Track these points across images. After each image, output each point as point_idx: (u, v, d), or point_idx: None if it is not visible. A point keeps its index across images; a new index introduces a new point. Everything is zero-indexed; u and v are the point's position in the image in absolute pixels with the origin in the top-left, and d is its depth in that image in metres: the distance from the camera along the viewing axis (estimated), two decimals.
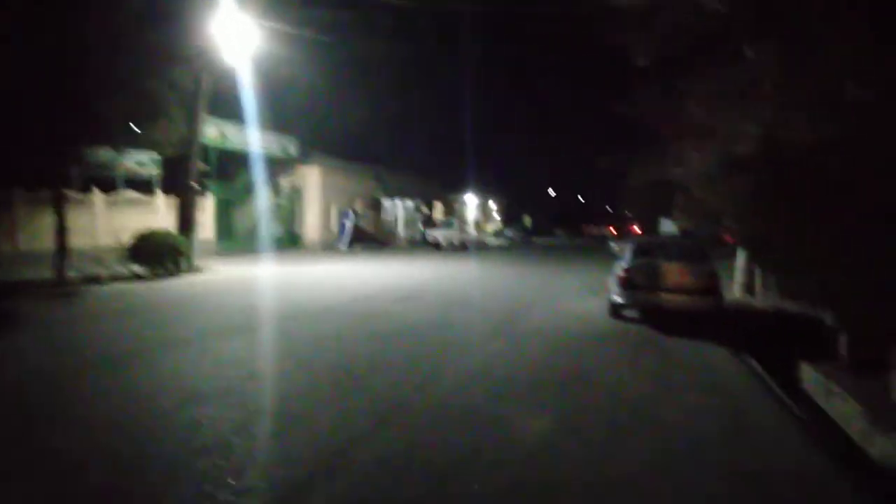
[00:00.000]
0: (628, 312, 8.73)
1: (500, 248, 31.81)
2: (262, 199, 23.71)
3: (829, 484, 3.46)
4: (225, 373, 5.03)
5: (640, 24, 8.63)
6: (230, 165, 21.37)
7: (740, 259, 12.07)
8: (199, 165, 14.72)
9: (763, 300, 10.44)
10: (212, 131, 19.27)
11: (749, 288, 11.54)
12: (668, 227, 27.69)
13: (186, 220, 14.11)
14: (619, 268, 8.51)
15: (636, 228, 46.80)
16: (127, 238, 12.46)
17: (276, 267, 15.93)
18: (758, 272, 10.73)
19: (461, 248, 28.12)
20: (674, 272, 7.92)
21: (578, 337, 7.29)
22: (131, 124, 12.49)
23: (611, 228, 46.51)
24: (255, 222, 22.97)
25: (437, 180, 41.33)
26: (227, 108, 18.26)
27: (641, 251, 8.94)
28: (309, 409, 4.18)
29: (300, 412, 4.13)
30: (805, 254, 6.12)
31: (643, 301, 8.03)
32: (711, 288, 7.68)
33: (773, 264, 6.83)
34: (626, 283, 8.16)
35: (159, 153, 16.60)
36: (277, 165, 24.18)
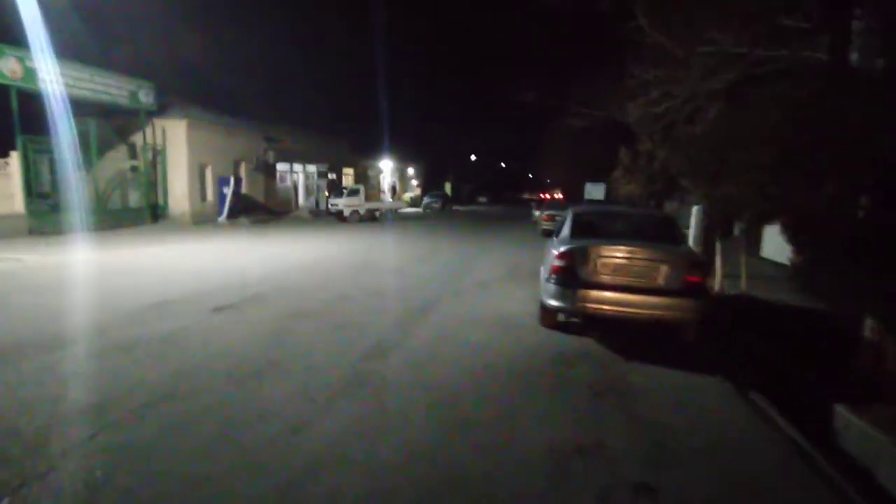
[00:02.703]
0: (566, 315, 5.94)
1: (416, 218, 28.61)
2: (110, 161, 18.69)
3: None
4: None
5: None
6: (50, 116, 16.13)
7: (693, 232, 9.72)
8: None
9: (728, 288, 8.07)
10: (10, 65, 14.13)
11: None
12: (595, 192, 25.79)
13: None
14: (553, 252, 5.55)
15: (559, 195, 45.32)
16: None
17: (101, 252, 11.66)
18: (719, 250, 8.34)
19: (370, 218, 24.59)
20: (637, 260, 5.07)
21: (492, 380, 4.29)
22: None
23: (541, 195, 44.76)
24: (101, 192, 18.00)
25: (348, 144, 36.95)
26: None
27: (583, 226, 6.03)
28: None
29: None
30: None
31: (591, 306, 5.13)
32: (696, 285, 4.91)
33: (805, 246, 4.15)
34: (564, 278, 5.23)
35: None
36: (128, 117, 19.10)
